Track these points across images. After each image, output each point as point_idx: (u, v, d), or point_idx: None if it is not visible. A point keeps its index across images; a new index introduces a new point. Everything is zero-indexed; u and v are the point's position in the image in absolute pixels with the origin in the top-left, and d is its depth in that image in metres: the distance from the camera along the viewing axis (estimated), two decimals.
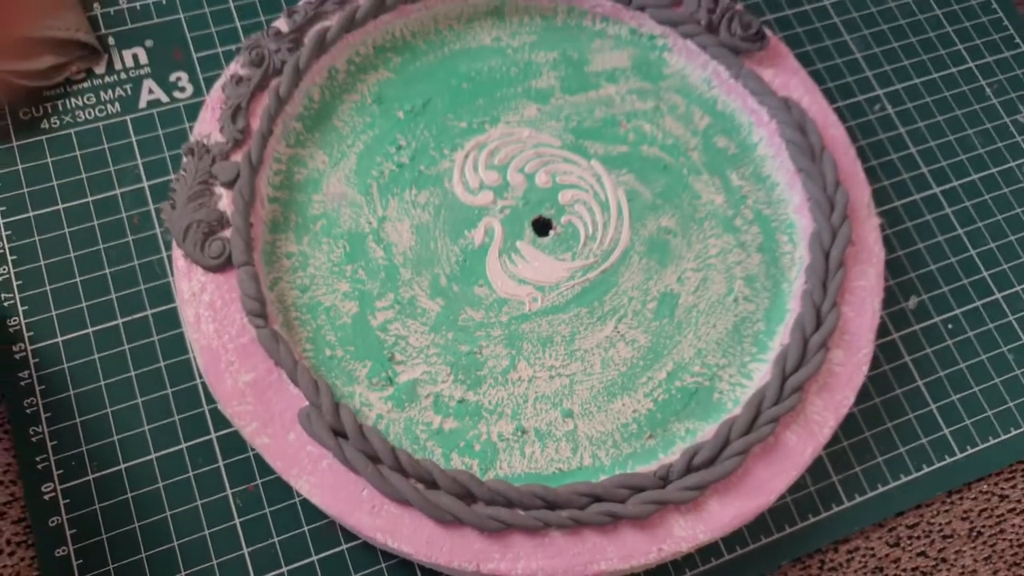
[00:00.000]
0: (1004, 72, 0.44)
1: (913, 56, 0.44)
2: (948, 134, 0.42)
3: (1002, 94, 0.43)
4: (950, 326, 0.38)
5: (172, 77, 0.39)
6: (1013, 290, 0.39)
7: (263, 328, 0.32)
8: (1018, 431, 0.37)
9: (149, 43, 0.40)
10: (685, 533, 0.31)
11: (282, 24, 0.37)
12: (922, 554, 0.35)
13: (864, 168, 0.41)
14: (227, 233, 0.33)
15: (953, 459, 0.36)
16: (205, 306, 0.32)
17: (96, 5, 0.40)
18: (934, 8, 0.45)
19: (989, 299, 0.39)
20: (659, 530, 0.31)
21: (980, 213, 0.41)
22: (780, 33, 0.43)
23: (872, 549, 0.35)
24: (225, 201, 0.34)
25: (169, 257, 0.36)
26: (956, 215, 0.41)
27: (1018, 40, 0.45)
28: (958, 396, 0.37)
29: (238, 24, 0.40)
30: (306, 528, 0.32)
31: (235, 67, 0.36)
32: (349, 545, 0.32)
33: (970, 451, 0.36)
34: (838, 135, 0.38)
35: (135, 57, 0.39)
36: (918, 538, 0.35)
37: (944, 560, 0.35)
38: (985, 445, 0.36)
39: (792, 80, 0.39)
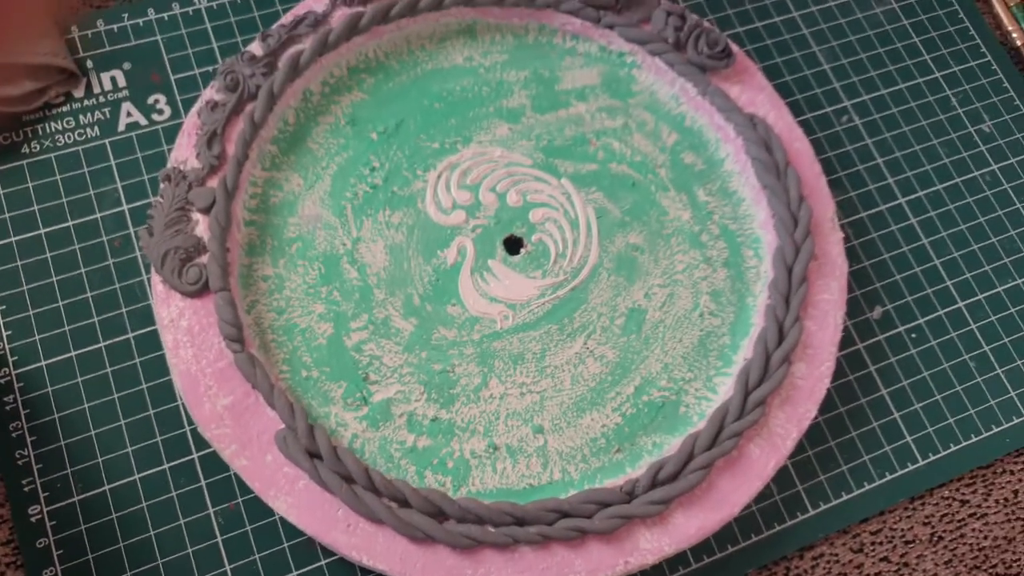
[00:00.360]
0: (969, 82, 0.45)
1: (880, 67, 0.45)
2: (914, 144, 0.43)
3: (967, 104, 0.44)
4: (914, 335, 0.39)
5: (150, 100, 0.40)
6: (976, 298, 0.40)
7: (240, 353, 0.33)
8: (979, 438, 0.38)
9: (127, 65, 0.40)
10: (651, 546, 0.32)
11: (256, 48, 0.38)
12: (884, 559, 0.36)
13: (831, 179, 0.42)
14: (204, 259, 0.34)
15: (915, 466, 0.37)
16: (183, 331, 0.33)
17: (74, 28, 0.40)
18: (901, 19, 0.46)
19: (952, 308, 0.40)
20: (625, 543, 0.32)
21: (944, 223, 0.42)
22: (750, 45, 0.44)
23: (836, 555, 0.36)
24: (202, 227, 0.35)
25: (150, 279, 0.37)
26: (921, 225, 0.42)
27: (984, 50, 0.45)
28: (921, 404, 0.38)
29: (215, 45, 0.41)
30: (286, 544, 0.34)
31: (210, 92, 0.37)
32: (327, 560, 0.33)
33: (932, 458, 0.37)
34: (803, 150, 0.39)
35: (113, 80, 0.40)
36: (881, 544, 0.36)
37: (906, 564, 0.36)
38: (946, 452, 0.38)
39: (759, 96, 0.39)
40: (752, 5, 0.45)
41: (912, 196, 0.42)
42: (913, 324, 0.40)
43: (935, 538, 0.37)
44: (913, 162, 0.43)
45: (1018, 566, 0.36)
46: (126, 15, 0.41)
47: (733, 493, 0.33)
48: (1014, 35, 0.46)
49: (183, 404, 0.35)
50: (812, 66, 0.44)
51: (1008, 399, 0.39)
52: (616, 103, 0.40)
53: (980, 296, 0.40)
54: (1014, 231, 0.42)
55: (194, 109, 0.37)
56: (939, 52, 0.45)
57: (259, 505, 0.34)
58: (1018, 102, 0.44)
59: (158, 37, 0.41)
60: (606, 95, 0.40)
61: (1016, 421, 0.38)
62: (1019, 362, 0.39)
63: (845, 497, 0.36)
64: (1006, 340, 0.40)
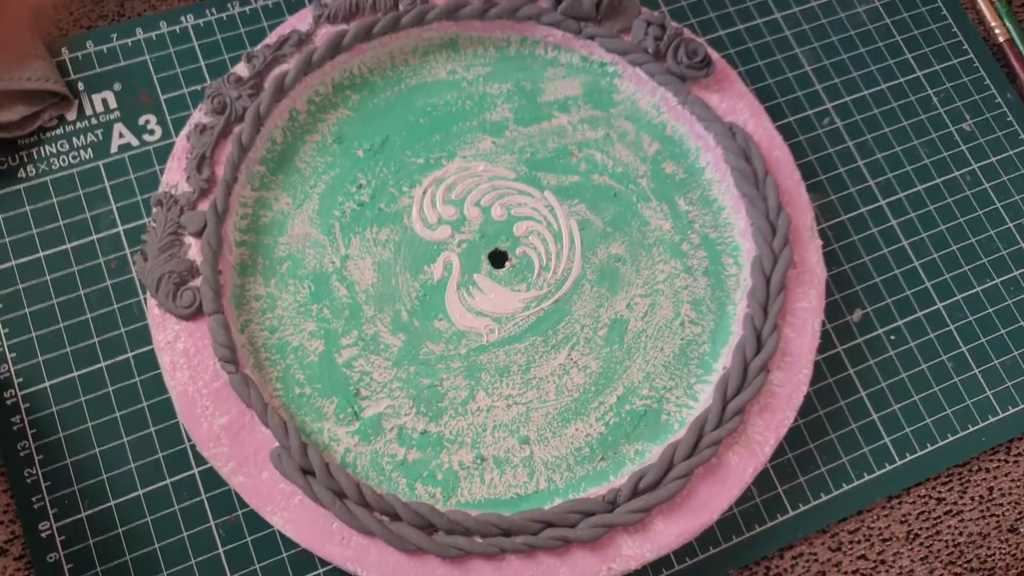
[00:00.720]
0: (951, 80, 0.45)
1: (862, 67, 0.45)
2: (895, 146, 0.44)
3: (948, 103, 0.45)
4: (892, 337, 0.40)
5: (141, 120, 0.41)
6: (954, 299, 0.41)
7: (234, 374, 0.34)
8: (955, 436, 0.39)
9: (117, 86, 0.41)
10: (633, 552, 0.33)
11: (242, 70, 0.38)
12: (862, 557, 0.37)
13: (812, 183, 0.42)
14: (198, 282, 0.35)
15: (893, 466, 0.38)
16: (179, 353, 0.34)
17: (64, 50, 0.41)
18: (883, 17, 0.46)
19: (930, 309, 0.41)
20: (608, 550, 0.33)
21: (924, 224, 0.42)
22: (732, 49, 0.44)
23: (815, 554, 0.37)
24: (195, 250, 0.36)
25: (146, 299, 0.38)
26: (901, 227, 0.42)
27: (966, 47, 0.46)
28: (899, 405, 0.39)
29: (202, 63, 0.42)
30: (285, 555, 0.35)
31: (198, 115, 0.38)
32: (325, 569, 0.35)
33: (909, 458, 0.38)
34: (783, 157, 0.39)
35: (104, 102, 0.41)
36: (858, 542, 0.38)
37: (883, 562, 0.37)
38: (924, 452, 0.39)
39: (738, 104, 0.40)
40: (734, 7, 0.45)
41: (892, 198, 0.43)
42: (892, 326, 0.40)
43: (911, 535, 0.38)
44: (894, 163, 0.43)
45: (992, 561, 0.38)
46: (115, 35, 0.41)
47: (712, 500, 0.34)
48: (997, 31, 0.46)
49: (182, 422, 0.36)
50: (794, 68, 0.44)
51: (984, 398, 0.40)
52: (598, 113, 0.41)
53: (958, 296, 0.41)
54: (993, 231, 0.42)
55: (183, 132, 0.37)
56: (921, 51, 0.45)
57: (258, 517, 0.35)
58: (999, 99, 0.45)
59: (147, 56, 0.41)
60: (588, 106, 0.41)
61: (992, 420, 0.39)
62: (996, 362, 0.40)
63: (824, 498, 0.38)
64: (983, 340, 0.41)
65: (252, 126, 0.37)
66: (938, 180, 0.43)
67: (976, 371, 0.40)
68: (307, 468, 0.33)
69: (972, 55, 0.45)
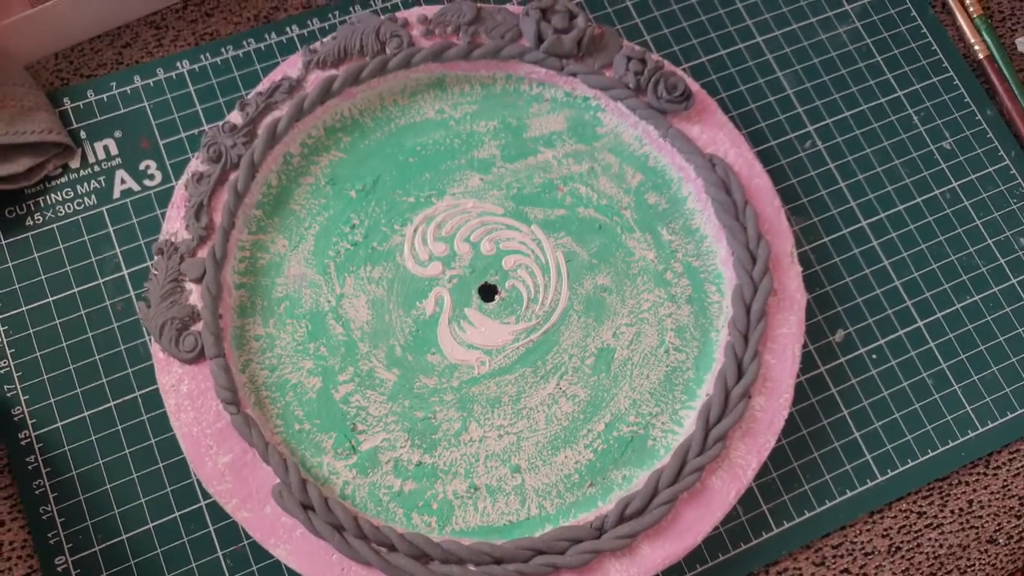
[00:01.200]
0: (931, 99, 0.46)
1: (843, 89, 0.46)
2: (876, 166, 0.44)
3: (928, 122, 0.45)
4: (874, 356, 0.41)
5: (142, 166, 0.42)
6: (934, 317, 0.42)
7: (236, 415, 0.36)
8: (935, 452, 0.40)
9: (118, 134, 0.42)
10: (620, 575, 0.35)
11: (236, 117, 0.40)
12: (845, 571, 0.39)
13: (795, 206, 0.43)
14: (199, 327, 0.37)
15: (875, 482, 0.39)
16: (183, 396, 0.36)
17: (66, 100, 0.43)
18: (864, 37, 0.47)
19: (911, 327, 0.42)
20: (596, 574, 0.35)
21: (905, 244, 0.43)
22: (714, 75, 0.45)
23: (799, 569, 0.39)
24: (195, 295, 0.37)
25: (151, 340, 0.39)
26: (882, 247, 0.43)
27: (946, 64, 0.46)
28: (880, 423, 0.40)
29: (199, 107, 0.43)
30: None
31: (196, 164, 0.39)
32: None
33: (891, 474, 0.40)
34: (763, 185, 0.40)
35: (106, 149, 0.42)
36: (841, 556, 0.39)
37: (866, 575, 0.39)
38: (905, 467, 0.40)
39: (719, 134, 0.41)
40: (716, 33, 0.46)
41: (874, 218, 0.44)
42: (874, 345, 0.42)
43: (893, 549, 0.39)
44: (875, 184, 0.44)
45: (972, 572, 0.39)
46: (114, 84, 0.43)
47: (697, 523, 0.36)
48: (976, 48, 0.47)
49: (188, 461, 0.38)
50: (776, 92, 0.45)
51: (964, 414, 0.41)
52: (582, 147, 0.42)
53: (939, 315, 0.42)
54: (972, 248, 0.43)
55: (181, 181, 0.39)
56: (901, 70, 0.46)
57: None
58: (979, 116, 0.46)
59: (145, 103, 0.43)
60: (572, 140, 0.42)
61: (971, 435, 0.40)
62: (975, 377, 0.41)
63: (808, 514, 0.39)
64: (963, 356, 0.42)
65: (247, 173, 0.39)
66: (919, 199, 0.44)
67: (956, 387, 0.41)
68: (307, 503, 0.35)
69: (952, 73, 0.46)
